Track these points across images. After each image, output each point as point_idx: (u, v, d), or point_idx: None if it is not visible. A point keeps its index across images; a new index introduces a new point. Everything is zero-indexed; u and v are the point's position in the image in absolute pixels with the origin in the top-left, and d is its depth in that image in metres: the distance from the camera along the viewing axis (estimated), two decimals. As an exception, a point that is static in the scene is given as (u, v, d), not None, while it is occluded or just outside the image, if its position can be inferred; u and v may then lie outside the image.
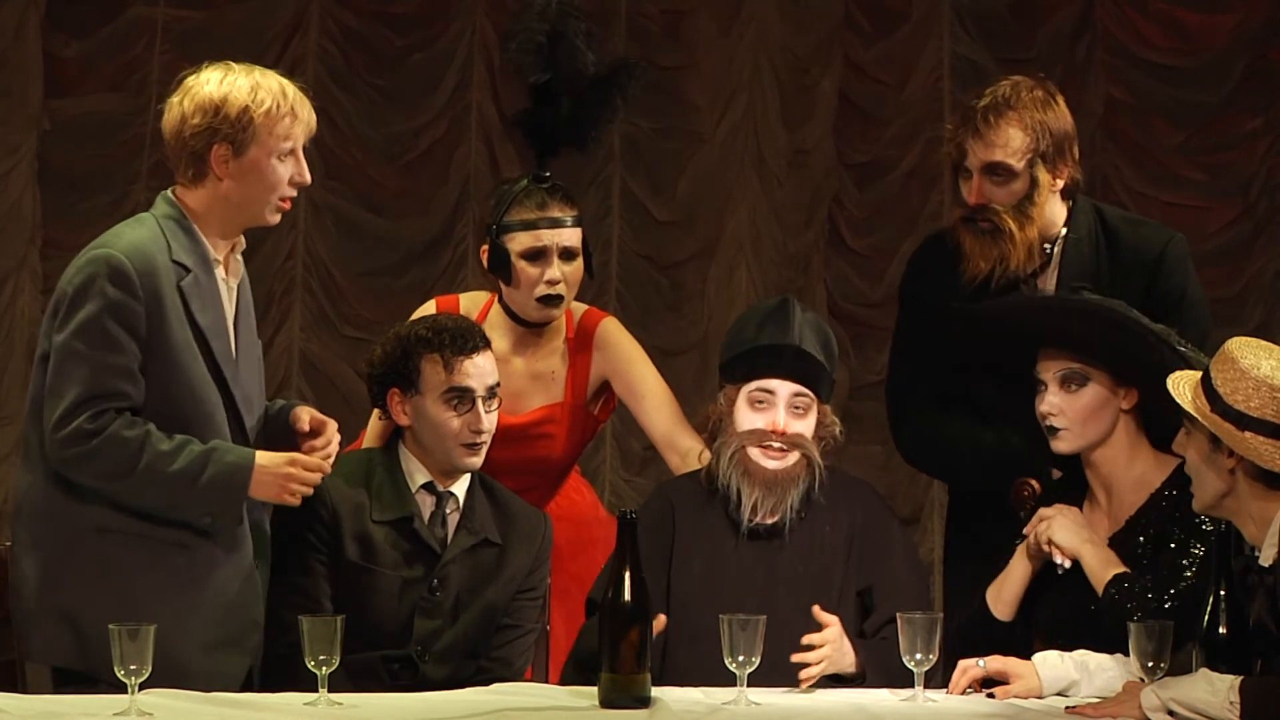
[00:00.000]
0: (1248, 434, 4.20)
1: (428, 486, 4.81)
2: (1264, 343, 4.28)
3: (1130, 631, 4.20)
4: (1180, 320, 4.91)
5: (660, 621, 4.54)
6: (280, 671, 4.54)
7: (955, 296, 5.00)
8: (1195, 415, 4.25)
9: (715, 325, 8.27)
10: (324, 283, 8.24)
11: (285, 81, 4.52)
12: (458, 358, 4.75)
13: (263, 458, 4.45)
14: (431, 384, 4.76)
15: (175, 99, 4.55)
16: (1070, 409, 4.65)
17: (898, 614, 4.42)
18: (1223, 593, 4.17)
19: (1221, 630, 4.15)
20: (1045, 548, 4.60)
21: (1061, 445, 4.68)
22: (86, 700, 4.18)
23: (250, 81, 4.48)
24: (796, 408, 4.77)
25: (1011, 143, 4.97)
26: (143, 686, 4.08)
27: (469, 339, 4.78)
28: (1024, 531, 4.67)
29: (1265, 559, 4.21)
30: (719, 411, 4.83)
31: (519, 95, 8.34)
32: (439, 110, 8.44)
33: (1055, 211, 5.07)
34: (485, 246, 5.24)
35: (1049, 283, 5.07)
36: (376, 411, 4.95)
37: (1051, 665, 4.46)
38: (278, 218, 4.55)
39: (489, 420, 4.77)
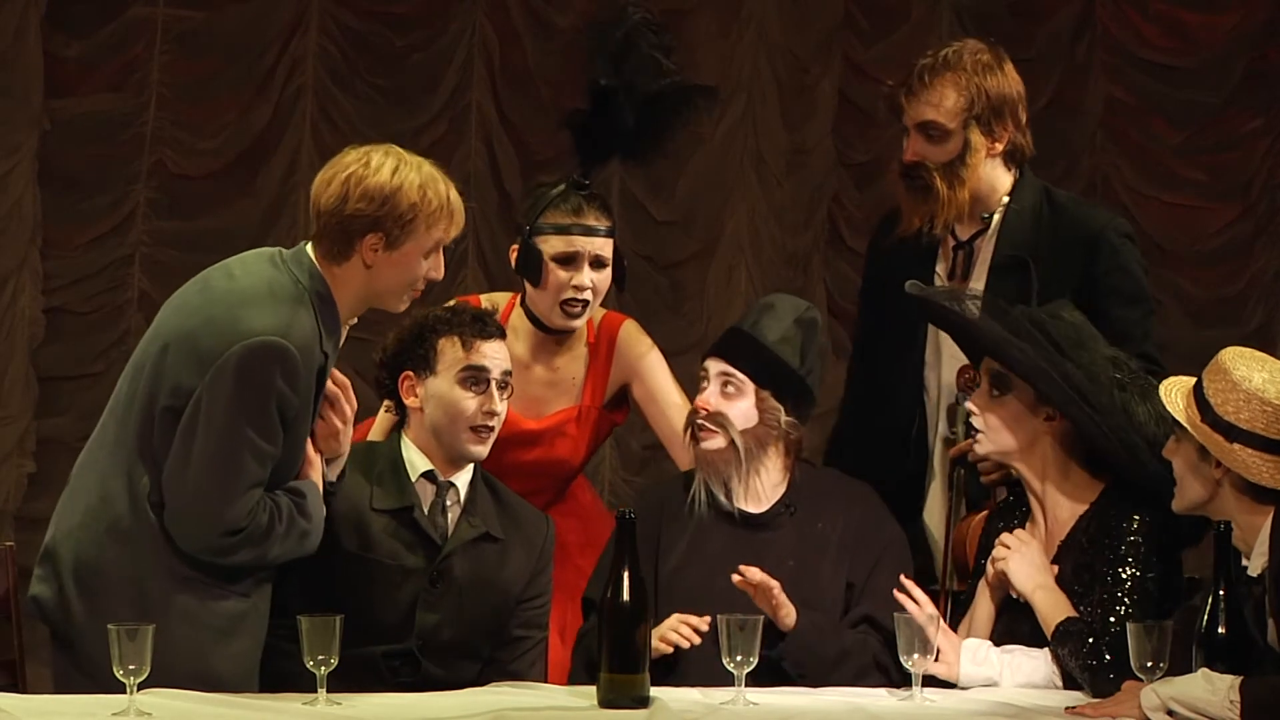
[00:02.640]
0: (1236, 446, 4.21)
1: (428, 475, 4.80)
2: (1258, 353, 4.28)
3: (1129, 631, 4.21)
4: (1117, 316, 4.93)
5: (704, 621, 4.58)
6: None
7: (898, 261, 5.11)
8: (1185, 424, 4.25)
9: (715, 325, 8.26)
10: (324, 282, 8.24)
11: (445, 179, 4.46)
12: (475, 339, 4.77)
13: (315, 474, 4.51)
14: (448, 363, 4.77)
15: (338, 174, 4.41)
16: (989, 413, 4.66)
17: (895, 614, 4.42)
18: (1222, 593, 4.17)
19: (1221, 630, 4.15)
20: (1000, 577, 4.61)
21: (978, 448, 4.69)
22: (86, 700, 4.18)
23: (420, 178, 4.40)
24: (726, 386, 4.79)
25: (945, 102, 5.02)
26: (142, 686, 4.10)
27: (488, 324, 4.81)
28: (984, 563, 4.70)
29: (1254, 569, 4.22)
30: None
31: (521, 97, 8.43)
32: (439, 110, 8.44)
33: (997, 178, 5.09)
34: (515, 246, 5.23)
35: (986, 250, 5.09)
36: (386, 404, 4.95)
37: (973, 654, 4.52)
38: (404, 306, 4.52)
39: (501, 406, 4.78)
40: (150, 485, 4.36)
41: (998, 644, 4.60)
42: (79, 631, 4.39)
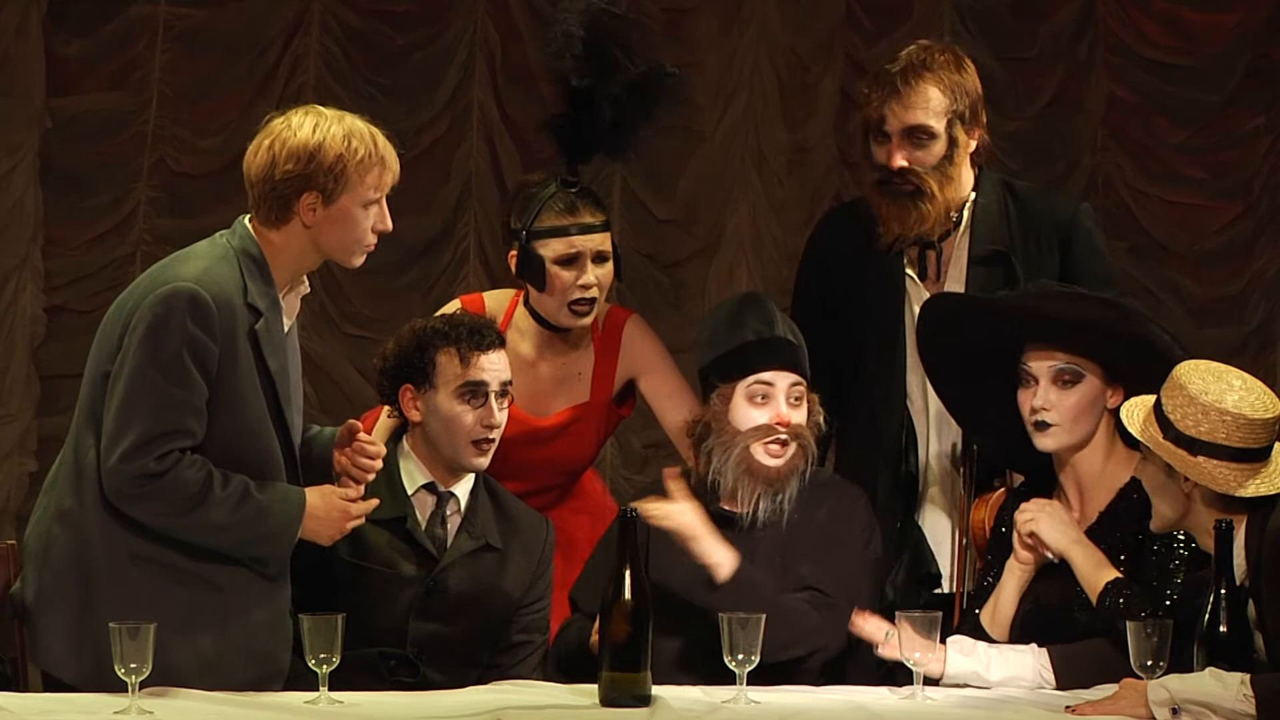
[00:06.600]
0: (1200, 458, 4.21)
1: (428, 487, 4.80)
2: (1213, 364, 4.28)
3: (1129, 630, 4.21)
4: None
5: None
6: None
7: (861, 269, 5.10)
8: (1147, 443, 4.25)
9: (716, 323, 8.26)
10: (325, 281, 8.24)
11: (374, 129, 4.47)
12: (474, 352, 4.76)
13: (313, 502, 4.43)
14: (446, 378, 4.76)
15: (263, 141, 4.44)
16: (1063, 405, 4.65)
17: (897, 612, 4.42)
18: (1223, 591, 4.17)
19: (1222, 629, 4.15)
20: (1029, 540, 4.61)
21: (1049, 442, 4.67)
22: (86, 699, 4.19)
23: (344, 129, 4.42)
24: (794, 398, 4.78)
25: (932, 103, 5.02)
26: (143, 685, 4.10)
27: (485, 335, 4.79)
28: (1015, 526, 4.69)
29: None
30: (711, 413, 4.82)
31: (522, 95, 8.42)
32: (440, 108, 8.43)
33: (964, 177, 5.13)
34: (513, 252, 5.19)
35: (957, 247, 5.12)
36: (386, 410, 4.94)
37: (960, 646, 4.52)
38: (361, 260, 4.51)
39: (501, 417, 4.77)
40: (94, 457, 4.36)
41: (1024, 613, 4.60)
42: (30, 617, 4.41)
